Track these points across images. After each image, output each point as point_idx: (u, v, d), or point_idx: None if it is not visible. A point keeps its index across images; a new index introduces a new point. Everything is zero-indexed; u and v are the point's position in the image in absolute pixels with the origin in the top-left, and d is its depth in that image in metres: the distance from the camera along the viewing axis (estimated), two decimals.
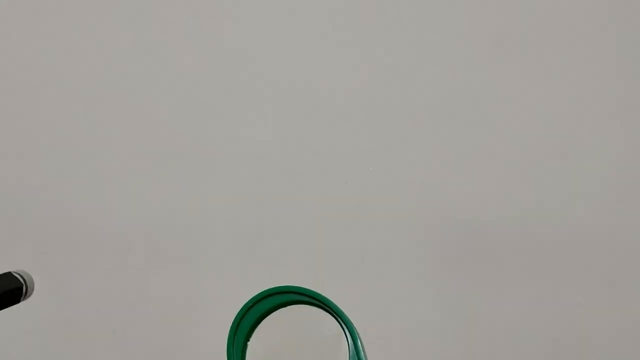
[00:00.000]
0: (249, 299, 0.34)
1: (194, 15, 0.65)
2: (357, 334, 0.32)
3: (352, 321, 0.33)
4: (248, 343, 0.34)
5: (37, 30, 0.66)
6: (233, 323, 0.34)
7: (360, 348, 0.32)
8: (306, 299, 0.34)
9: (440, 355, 0.62)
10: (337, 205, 0.63)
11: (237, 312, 0.34)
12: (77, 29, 0.66)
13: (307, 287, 0.33)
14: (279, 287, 0.34)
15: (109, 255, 0.65)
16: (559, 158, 0.61)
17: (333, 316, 0.33)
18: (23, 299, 0.31)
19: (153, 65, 0.65)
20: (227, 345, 0.34)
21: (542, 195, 0.61)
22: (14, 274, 0.32)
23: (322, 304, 0.33)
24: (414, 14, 0.63)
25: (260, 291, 0.34)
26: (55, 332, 0.65)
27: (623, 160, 0.61)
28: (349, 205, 0.63)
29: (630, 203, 0.61)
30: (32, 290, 0.32)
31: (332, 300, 0.33)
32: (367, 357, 0.33)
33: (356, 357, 0.32)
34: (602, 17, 0.61)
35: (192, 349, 0.61)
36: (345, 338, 0.32)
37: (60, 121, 0.66)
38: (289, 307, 0.34)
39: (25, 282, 0.31)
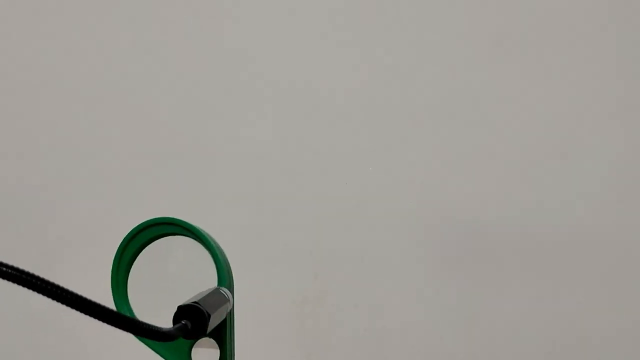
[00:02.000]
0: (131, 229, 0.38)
1: (194, 16, 0.65)
2: (222, 262, 0.36)
3: (221, 251, 0.37)
4: (130, 271, 0.38)
5: (37, 30, 0.66)
6: (117, 252, 0.38)
7: (225, 276, 0.36)
8: (179, 230, 0.37)
9: (441, 355, 0.62)
10: (337, 205, 0.63)
11: (119, 243, 0.38)
12: (77, 29, 0.66)
13: (181, 219, 0.37)
14: (156, 218, 0.38)
15: (109, 255, 0.65)
16: (559, 158, 0.61)
17: (204, 246, 0.37)
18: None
19: (153, 65, 0.65)
20: (112, 272, 0.38)
21: (542, 195, 0.61)
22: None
23: (194, 235, 0.37)
24: (414, 14, 0.63)
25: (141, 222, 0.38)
26: (55, 332, 0.65)
27: (623, 160, 0.61)
28: (349, 205, 0.63)
29: (630, 203, 0.61)
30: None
31: (208, 234, 0.37)
32: (234, 286, 0.37)
33: (222, 283, 0.36)
34: (602, 17, 0.61)
35: None
36: (214, 265, 0.36)
37: (60, 121, 0.66)
38: (165, 237, 0.38)
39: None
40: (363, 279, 0.63)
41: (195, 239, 0.37)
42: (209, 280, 0.36)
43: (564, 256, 0.61)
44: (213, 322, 0.32)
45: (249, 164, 0.64)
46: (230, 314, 0.36)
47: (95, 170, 0.65)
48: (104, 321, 0.23)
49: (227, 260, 0.37)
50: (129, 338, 0.68)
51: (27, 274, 0.22)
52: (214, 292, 0.34)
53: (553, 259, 0.61)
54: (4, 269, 0.21)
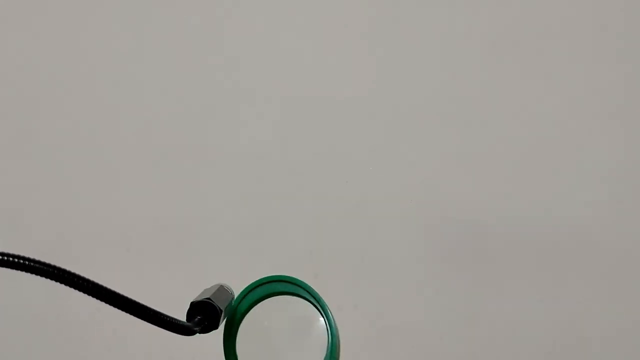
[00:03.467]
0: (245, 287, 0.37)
1: (194, 16, 0.65)
2: (335, 327, 0.36)
3: (332, 317, 0.36)
4: (239, 329, 0.37)
5: (37, 30, 0.66)
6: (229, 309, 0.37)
7: (336, 344, 0.35)
8: (292, 288, 0.37)
9: (441, 355, 0.62)
10: (337, 205, 0.63)
11: (235, 298, 0.37)
12: (76, 29, 0.66)
13: (297, 278, 0.37)
14: (272, 276, 0.37)
15: (109, 255, 0.65)
16: (559, 158, 0.61)
17: (317, 310, 0.36)
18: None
19: (153, 66, 0.65)
20: (224, 333, 0.37)
21: (542, 195, 0.61)
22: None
23: (308, 296, 0.36)
24: (414, 14, 0.63)
25: (255, 280, 0.37)
26: (55, 332, 0.65)
27: (623, 160, 0.61)
28: (349, 205, 0.63)
29: (631, 203, 0.61)
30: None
31: (319, 296, 0.36)
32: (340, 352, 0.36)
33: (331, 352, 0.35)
34: (602, 17, 0.61)
35: (192, 349, 0.62)
36: (325, 330, 0.36)
37: (60, 121, 0.66)
38: (276, 297, 0.37)
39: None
40: (363, 279, 0.63)
41: (315, 305, 0.36)
42: (319, 351, 0.36)
43: (564, 256, 0.61)
44: (223, 317, 0.33)
45: (249, 164, 0.64)
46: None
47: (96, 170, 0.65)
48: (127, 312, 0.23)
49: (339, 337, 0.36)
50: (128, 338, 0.68)
51: (59, 268, 0.23)
52: (220, 289, 0.36)
53: (553, 259, 0.61)
54: (43, 266, 0.22)
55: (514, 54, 0.62)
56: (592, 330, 0.61)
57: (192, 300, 0.34)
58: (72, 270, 0.24)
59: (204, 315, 0.33)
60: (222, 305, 0.34)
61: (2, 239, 0.66)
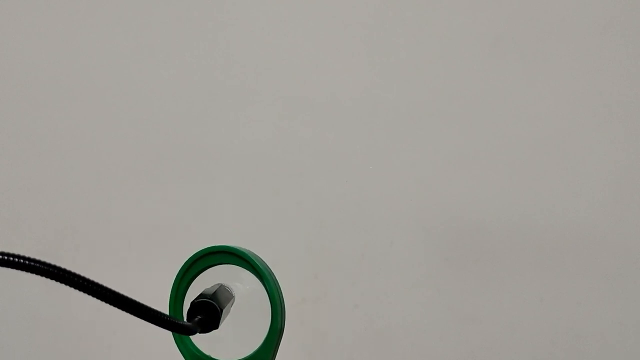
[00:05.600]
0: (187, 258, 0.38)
1: (195, 16, 0.65)
2: (278, 299, 0.37)
3: (272, 280, 0.37)
4: (184, 297, 0.38)
5: (37, 29, 0.66)
6: (175, 280, 0.38)
7: (278, 305, 0.37)
8: (234, 259, 0.38)
9: (440, 355, 0.62)
10: (337, 204, 0.63)
11: (177, 272, 0.38)
12: (76, 29, 0.66)
13: (236, 247, 0.38)
14: (211, 247, 0.38)
15: (108, 255, 0.65)
16: (559, 158, 0.61)
17: (257, 275, 0.37)
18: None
19: (153, 66, 0.65)
20: (170, 300, 0.38)
21: (542, 195, 0.61)
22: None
23: (249, 265, 0.37)
24: (414, 14, 0.63)
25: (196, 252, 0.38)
26: (55, 332, 0.65)
27: (623, 160, 0.61)
28: (349, 205, 0.63)
29: (631, 203, 0.61)
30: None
31: (260, 261, 0.38)
32: (285, 314, 0.38)
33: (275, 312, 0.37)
34: (603, 17, 0.61)
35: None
36: (267, 295, 0.37)
37: (60, 121, 0.66)
38: (218, 266, 0.38)
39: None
40: (363, 279, 0.63)
41: (252, 272, 0.37)
42: (264, 314, 0.37)
43: (564, 256, 0.61)
44: (223, 317, 0.34)
45: (249, 164, 0.64)
46: (275, 347, 0.37)
47: (95, 170, 0.65)
48: (129, 312, 0.24)
49: (282, 297, 0.38)
50: (128, 338, 0.68)
51: (59, 268, 0.23)
52: (221, 289, 0.36)
53: (554, 259, 0.61)
54: (38, 265, 0.22)
55: (514, 54, 0.62)
56: (592, 331, 0.61)
57: (192, 300, 0.34)
58: (72, 270, 0.24)
59: (204, 315, 0.33)
60: (222, 305, 0.34)
61: (2, 239, 0.66)
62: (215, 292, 0.35)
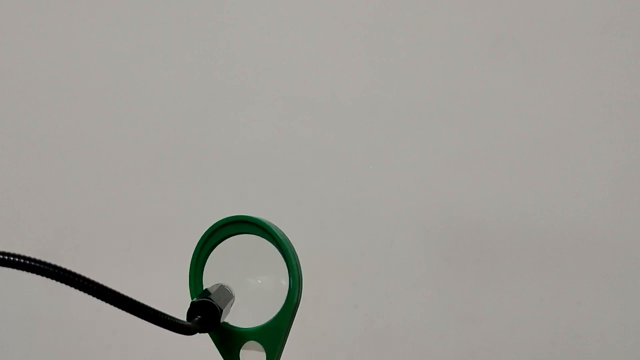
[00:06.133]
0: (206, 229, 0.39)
1: (195, 16, 0.65)
2: (295, 262, 0.38)
3: (292, 252, 0.38)
4: (204, 268, 0.39)
5: (37, 29, 0.66)
6: (194, 251, 0.39)
7: (296, 276, 0.37)
8: (255, 229, 0.38)
9: (440, 354, 0.62)
10: (337, 205, 0.63)
11: (196, 243, 0.39)
12: (76, 29, 0.66)
13: (263, 219, 0.38)
14: (232, 216, 0.39)
15: (109, 255, 0.65)
16: (559, 158, 0.61)
17: (276, 247, 0.38)
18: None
19: (153, 66, 0.65)
20: (190, 272, 0.39)
21: (542, 195, 0.61)
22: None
23: (269, 235, 0.38)
24: (414, 14, 0.63)
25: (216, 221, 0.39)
26: (56, 332, 0.65)
27: (623, 160, 0.61)
28: (349, 205, 0.63)
29: (631, 203, 0.61)
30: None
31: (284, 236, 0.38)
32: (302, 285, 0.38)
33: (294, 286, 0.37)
34: (603, 17, 0.61)
35: (192, 348, 0.62)
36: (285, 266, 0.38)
37: (60, 121, 0.66)
38: (238, 235, 0.39)
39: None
40: (363, 279, 0.63)
41: (272, 242, 0.38)
42: (281, 280, 0.38)
43: (564, 256, 0.61)
44: (223, 317, 0.34)
45: (249, 164, 0.64)
46: (290, 319, 0.37)
47: (95, 170, 0.65)
48: (129, 312, 0.24)
49: (298, 261, 0.38)
50: (128, 338, 0.68)
51: (59, 268, 0.23)
52: (221, 289, 0.36)
53: (554, 259, 0.61)
54: (41, 265, 0.22)
55: (514, 54, 0.62)
56: (592, 330, 0.61)
57: (192, 300, 0.34)
58: (72, 270, 0.24)
59: (204, 315, 0.33)
60: (222, 305, 0.34)
61: (2, 239, 0.66)
62: (215, 292, 0.35)
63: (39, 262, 0.24)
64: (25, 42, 0.67)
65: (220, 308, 0.33)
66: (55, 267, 0.24)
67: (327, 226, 0.63)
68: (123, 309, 0.25)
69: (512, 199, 0.61)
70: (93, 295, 0.24)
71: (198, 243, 0.39)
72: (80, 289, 0.24)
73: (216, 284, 0.37)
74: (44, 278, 0.24)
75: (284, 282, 0.38)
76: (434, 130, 0.62)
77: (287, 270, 0.37)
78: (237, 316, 0.38)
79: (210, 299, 0.34)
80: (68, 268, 0.24)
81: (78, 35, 0.66)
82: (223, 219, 0.39)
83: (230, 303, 0.36)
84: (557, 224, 0.61)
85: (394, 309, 0.62)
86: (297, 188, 0.63)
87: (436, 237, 0.62)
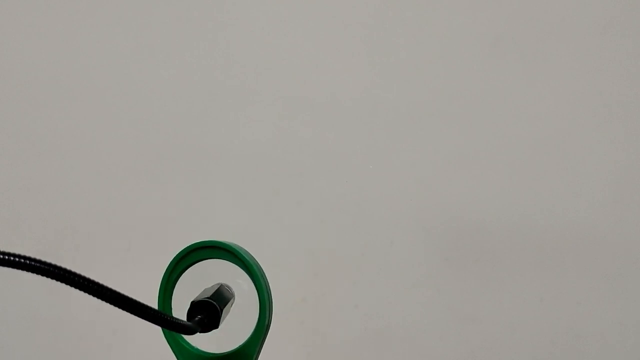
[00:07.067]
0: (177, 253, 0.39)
1: (195, 16, 0.65)
2: (265, 286, 0.37)
3: (263, 278, 0.37)
4: (173, 292, 0.39)
5: (36, 29, 0.66)
6: (163, 277, 0.39)
7: (266, 300, 0.37)
8: (223, 254, 0.38)
9: (440, 354, 0.62)
10: (337, 205, 0.63)
11: (166, 266, 0.38)
12: (76, 28, 0.66)
13: (229, 243, 0.38)
14: (203, 241, 0.38)
15: (109, 255, 0.65)
16: (559, 158, 0.61)
17: (245, 270, 0.37)
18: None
19: (153, 66, 0.65)
20: (159, 293, 0.39)
21: (542, 195, 0.61)
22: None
23: (238, 259, 0.37)
24: (414, 14, 0.63)
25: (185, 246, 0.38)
26: (56, 332, 0.65)
27: (623, 160, 0.61)
28: (349, 205, 0.63)
29: (631, 203, 0.61)
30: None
31: (251, 258, 0.38)
32: (271, 313, 0.38)
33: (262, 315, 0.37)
34: (603, 17, 0.61)
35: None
36: (256, 294, 0.37)
37: (60, 120, 0.66)
38: (208, 260, 0.38)
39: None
40: (363, 279, 0.63)
41: (240, 266, 0.37)
42: (252, 310, 0.37)
43: (564, 256, 0.61)
44: (223, 317, 0.34)
45: (249, 164, 0.64)
46: (260, 345, 0.37)
47: (95, 170, 0.65)
48: (129, 312, 0.24)
49: (270, 292, 0.38)
50: (128, 338, 0.68)
51: (59, 268, 0.23)
52: (221, 289, 0.36)
53: (554, 259, 0.61)
54: (37, 264, 0.22)
55: (514, 54, 0.62)
56: (592, 330, 0.61)
57: (192, 300, 0.34)
58: (72, 270, 0.24)
59: (204, 314, 0.33)
60: (222, 304, 0.34)
61: (2, 239, 0.66)
62: (215, 292, 0.35)
63: (39, 262, 0.24)
64: (25, 42, 0.67)
65: (220, 308, 0.33)
66: (55, 267, 0.24)
67: (327, 226, 0.63)
68: (123, 309, 0.25)
69: (512, 199, 0.61)
70: (93, 295, 0.24)
71: (168, 266, 0.39)
72: (80, 289, 0.24)
73: (216, 284, 0.37)
74: (44, 278, 0.24)
75: (254, 309, 0.37)
76: (434, 130, 0.62)
77: (257, 296, 0.37)
78: (206, 341, 0.37)
79: (210, 298, 0.33)
80: (68, 268, 0.24)
81: (78, 35, 0.66)
82: (194, 244, 0.38)
83: (230, 303, 0.36)
84: (557, 224, 0.61)
85: (394, 308, 0.62)
86: (297, 188, 0.63)
87: (436, 237, 0.62)
